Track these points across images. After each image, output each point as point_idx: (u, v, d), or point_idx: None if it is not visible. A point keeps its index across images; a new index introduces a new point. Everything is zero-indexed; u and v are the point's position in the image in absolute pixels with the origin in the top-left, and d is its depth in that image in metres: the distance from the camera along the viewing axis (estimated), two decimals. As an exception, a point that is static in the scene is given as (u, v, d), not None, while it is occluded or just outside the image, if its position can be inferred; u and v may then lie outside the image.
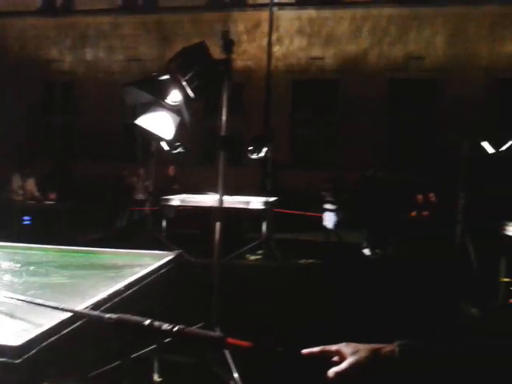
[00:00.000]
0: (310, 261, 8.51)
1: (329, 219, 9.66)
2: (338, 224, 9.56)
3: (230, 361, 2.84)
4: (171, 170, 11.63)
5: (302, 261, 8.50)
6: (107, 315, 1.31)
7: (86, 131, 14.67)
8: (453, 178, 5.93)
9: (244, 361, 2.75)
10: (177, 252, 2.65)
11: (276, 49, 14.06)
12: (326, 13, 13.81)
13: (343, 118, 13.68)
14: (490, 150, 5.16)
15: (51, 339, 1.30)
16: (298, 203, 9.96)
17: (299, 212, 9.94)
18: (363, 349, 0.98)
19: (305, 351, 1.03)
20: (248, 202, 8.18)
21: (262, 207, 8.11)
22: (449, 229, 6.02)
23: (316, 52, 13.93)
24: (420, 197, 8.97)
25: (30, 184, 9.65)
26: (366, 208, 9.54)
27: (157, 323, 1.24)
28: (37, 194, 9.69)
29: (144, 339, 2.31)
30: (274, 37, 14.00)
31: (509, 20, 12.74)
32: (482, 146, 5.22)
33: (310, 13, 13.88)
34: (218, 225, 3.25)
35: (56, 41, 15.30)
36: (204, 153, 13.51)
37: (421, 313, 4.81)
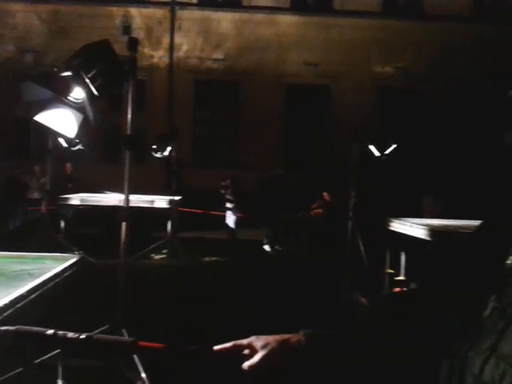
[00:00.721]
0: (214, 259, 8.61)
1: (229, 217, 9.82)
2: (238, 222, 9.74)
3: (137, 361, 2.81)
4: (68, 168, 11.13)
5: (207, 259, 8.58)
6: (3, 328, 1.20)
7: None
8: (345, 178, 6.30)
9: (154, 361, 2.74)
10: (80, 255, 2.58)
11: (178, 48, 13.97)
12: (228, 15, 13.98)
13: (244, 118, 13.97)
14: (377, 153, 5.57)
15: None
16: (201, 202, 10.00)
17: (203, 211, 9.99)
18: (272, 340, 1.02)
19: (217, 348, 1.04)
20: (153, 201, 8.09)
21: (167, 206, 8.06)
22: (342, 225, 6.38)
23: (218, 54, 14.05)
24: (325, 194, 9.38)
25: None
26: (264, 206, 9.82)
27: (61, 333, 1.14)
28: None
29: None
30: (177, 36, 13.90)
31: (391, 33, 13.74)
32: (369, 149, 5.62)
33: (212, 14, 13.97)
34: (124, 225, 3.20)
35: None
36: (106, 150, 13.08)
37: (319, 304, 5.07)
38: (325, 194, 9.40)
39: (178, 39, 13.98)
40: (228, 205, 9.79)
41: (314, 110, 13.94)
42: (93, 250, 6.13)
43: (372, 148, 6.03)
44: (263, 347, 1.01)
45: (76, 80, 2.68)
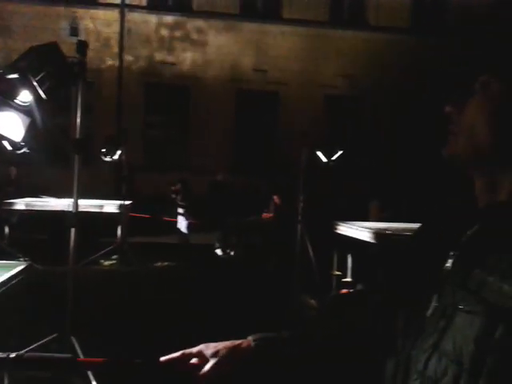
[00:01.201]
0: (166, 263, 8.53)
1: (180, 222, 9.77)
2: (189, 226, 9.71)
3: (89, 372, 2.77)
4: (12, 172, 10.74)
5: (158, 264, 8.49)
6: None
7: None
8: (294, 183, 6.44)
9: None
10: (26, 262, 2.52)
11: (128, 51, 13.80)
12: (177, 19, 13.96)
13: (194, 122, 13.97)
14: (324, 159, 5.72)
15: None
16: (152, 206, 9.89)
17: (154, 215, 9.88)
18: (222, 348, 1.03)
19: (163, 358, 1.02)
20: (102, 206, 7.93)
21: (117, 211, 7.92)
22: (291, 229, 6.50)
23: (169, 57, 14.00)
24: (275, 198, 9.47)
25: None
26: (215, 210, 9.84)
27: None
28: None
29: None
30: (126, 38, 13.74)
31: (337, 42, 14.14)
32: (317, 155, 5.75)
33: (162, 18, 13.91)
34: (72, 231, 3.14)
35: None
36: (54, 153, 12.71)
37: (270, 308, 5.14)
38: (275, 197, 9.50)
39: (127, 42, 13.82)
40: (179, 210, 9.74)
41: (263, 116, 14.12)
42: (39, 257, 5.95)
43: (319, 154, 6.16)
44: (213, 355, 1.02)
45: (23, 83, 2.62)
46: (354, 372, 1.08)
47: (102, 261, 8.06)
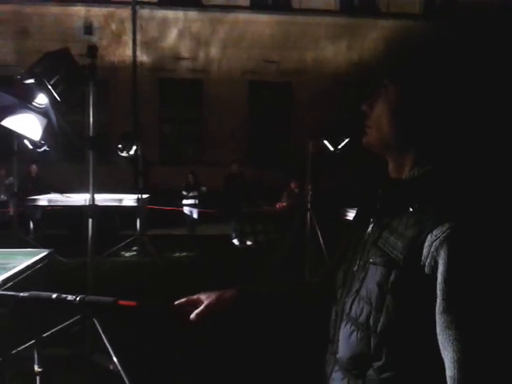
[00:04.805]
0: (184, 254, 8.80)
1: (191, 210, 10.06)
2: (199, 218, 9.98)
3: (108, 345, 3.04)
4: (32, 170, 11.12)
5: (176, 254, 8.76)
6: (21, 294, 1.49)
7: None
8: (303, 172, 6.57)
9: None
10: (48, 250, 2.77)
11: (141, 47, 14.06)
12: (190, 14, 14.13)
13: (208, 116, 14.17)
14: (331, 147, 5.83)
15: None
16: (168, 199, 10.15)
17: (170, 208, 10.15)
18: (214, 293, 1.29)
19: (176, 302, 1.30)
20: (121, 200, 8.21)
21: (135, 204, 8.19)
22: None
23: (182, 52, 14.20)
24: (292, 184, 9.60)
25: None
26: (230, 201, 10.04)
27: (63, 295, 1.45)
28: None
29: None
30: (139, 35, 13.99)
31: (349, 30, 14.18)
32: (324, 144, 5.87)
33: (175, 13, 14.10)
34: (90, 222, 3.39)
35: None
36: (72, 151, 13.07)
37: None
38: (292, 184, 9.63)
39: (140, 38, 14.06)
40: (190, 201, 10.03)
41: (275, 106, 14.24)
42: (63, 250, 6.23)
43: (326, 143, 6.25)
44: (206, 299, 1.27)
45: (39, 87, 2.86)
46: (311, 318, 1.32)
47: (123, 252, 8.37)
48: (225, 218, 10.14)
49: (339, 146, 5.79)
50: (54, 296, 1.45)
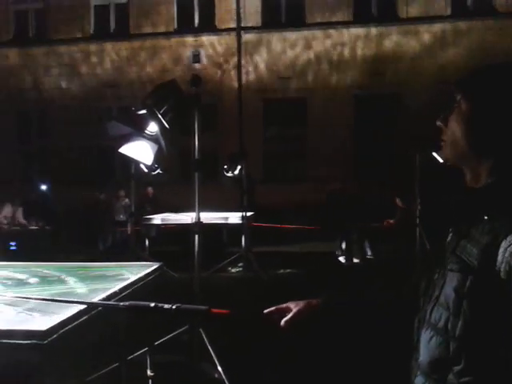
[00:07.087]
0: (288, 271, 8.90)
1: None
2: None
3: (213, 355, 3.24)
4: (149, 191, 11.97)
5: (281, 271, 8.89)
6: (121, 303, 1.70)
7: (61, 157, 14.87)
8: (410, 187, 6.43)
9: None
10: (159, 263, 3.04)
11: (246, 70, 14.64)
12: (291, 34, 14.47)
13: (311, 133, 14.31)
14: (440, 159, 5.67)
15: (70, 326, 1.70)
16: (272, 216, 10.34)
17: (275, 225, 10.33)
18: (301, 302, 1.40)
19: (266, 311, 1.43)
20: (227, 218, 8.56)
21: (240, 222, 8.48)
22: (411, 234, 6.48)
23: (285, 71, 14.55)
24: (397, 201, 9.31)
25: (18, 212, 9.91)
26: (336, 218, 9.97)
27: (160, 304, 1.60)
28: (23, 220, 9.94)
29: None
30: (244, 59, 14.58)
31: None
32: (433, 157, 5.73)
33: (276, 35, 14.53)
34: (196, 238, 3.66)
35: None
36: (183, 173, 13.89)
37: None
38: (397, 200, 9.33)
39: (245, 62, 14.64)
40: None
41: (381, 121, 14.01)
42: (174, 265, 6.61)
43: (435, 155, 6.10)
44: (295, 307, 1.39)
45: (150, 116, 3.19)
46: (396, 328, 1.37)
47: (229, 268, 8.68)
48: (330, 234, 10.11)
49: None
50: (153, 305, 1.57)
